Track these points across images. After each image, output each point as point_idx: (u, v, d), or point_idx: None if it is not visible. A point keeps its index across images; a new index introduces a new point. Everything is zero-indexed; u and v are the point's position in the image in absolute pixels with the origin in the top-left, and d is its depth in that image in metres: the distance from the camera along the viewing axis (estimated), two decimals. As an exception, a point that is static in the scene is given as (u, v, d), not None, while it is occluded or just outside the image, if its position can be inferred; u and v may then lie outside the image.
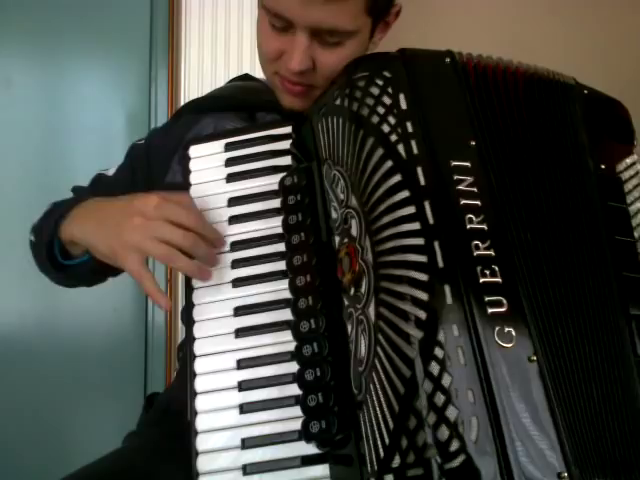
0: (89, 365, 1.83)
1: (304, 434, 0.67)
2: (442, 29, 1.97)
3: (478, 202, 0.66)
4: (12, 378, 1.82)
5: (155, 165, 0.97)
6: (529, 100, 0.77)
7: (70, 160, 1.94)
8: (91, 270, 0.89)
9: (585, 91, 0.82)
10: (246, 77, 1.05)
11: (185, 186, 0.84)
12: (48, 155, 1.95)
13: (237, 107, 0.96)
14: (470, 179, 0.67)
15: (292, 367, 0.71)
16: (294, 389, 0.70)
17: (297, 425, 0.68)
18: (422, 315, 0.60)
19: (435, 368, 0.58)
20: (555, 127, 0.77)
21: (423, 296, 0.61)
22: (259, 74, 0.98)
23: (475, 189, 0.67)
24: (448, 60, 0.75)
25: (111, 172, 1.03)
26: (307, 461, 0.68)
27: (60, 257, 0.89)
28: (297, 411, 0.68)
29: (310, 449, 0.68)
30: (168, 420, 0.89)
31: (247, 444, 0.70)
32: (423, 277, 0.62)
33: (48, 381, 1.88)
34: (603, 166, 0.77)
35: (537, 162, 0.73)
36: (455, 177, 0.67)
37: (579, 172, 0.75)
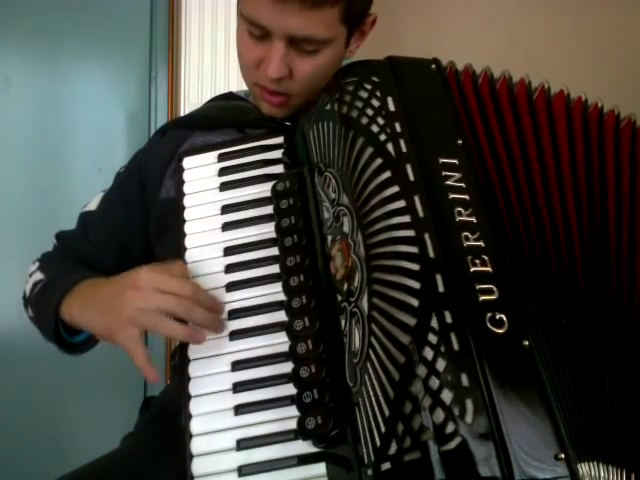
0: (89, 366, 1.80)
1: (300, 431, 0.66)
2: (442, 29, 1.99)
3: (466, 196, 0.68)
4: (12, 378, 1.80)
5: (149, 185, 0.98)
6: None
7: (70, 160, 1.94)
8: (95, 342, 0.94)
9: None
10: (230, 96, 1.07)
11: (179, 197, 0.86)
12: (48, 155, 1.95)
13: (226, 125, 0.98)
14: (458, 175, 0.69)
15: (287, 368, 0.71)
16: (289, 389, 0.70)
17: (292, 425, 0.67)
18: (415, 303, 0.61)
19: (429, 353, 0.59)
20: None
21: (415, 285, 0.62)
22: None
23: (463, 184, 0.68)
24: (434, 67, 0.78)
25: (93, 205, 1.02)
26: (303, 460, 0.68)
27: (67, 337, 0.91)
28: (292, 411, 0.68)
29: (306, 448, 0.67)
30: (165, 420, 0.88)
31: (242, 445, 0.70)
32: (415, 267, 0.63)
33: (48, 382, 1.86)
34: None
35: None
36: (443, 173, 0.69)
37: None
